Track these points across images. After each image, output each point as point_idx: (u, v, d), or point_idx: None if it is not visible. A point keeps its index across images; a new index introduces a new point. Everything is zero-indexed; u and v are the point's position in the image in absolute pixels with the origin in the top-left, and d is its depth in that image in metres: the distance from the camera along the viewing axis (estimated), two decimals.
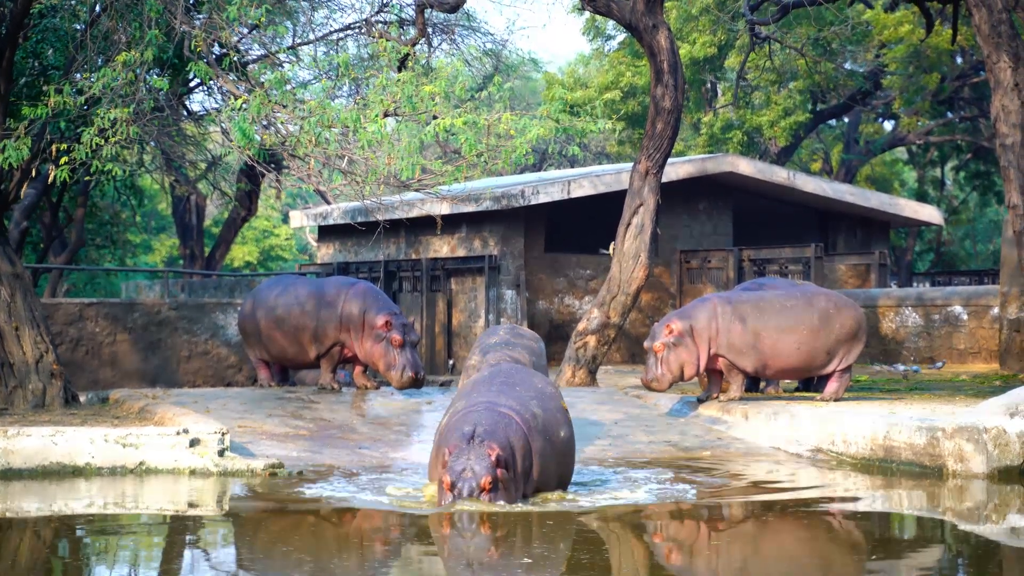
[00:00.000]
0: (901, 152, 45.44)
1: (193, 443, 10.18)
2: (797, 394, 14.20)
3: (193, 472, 10.04)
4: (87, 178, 15.25)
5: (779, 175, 24.54)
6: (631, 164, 17.31)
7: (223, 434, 10.27)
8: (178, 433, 10.22)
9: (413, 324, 14.08)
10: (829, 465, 10.94)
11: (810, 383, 14.35)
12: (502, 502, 8.13)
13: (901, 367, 18.42)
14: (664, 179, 16.63)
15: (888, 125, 41.17)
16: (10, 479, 9.77)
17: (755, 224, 26.51)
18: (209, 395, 13.44)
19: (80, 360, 17.37)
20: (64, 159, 11.64)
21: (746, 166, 24.17)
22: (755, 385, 14.20)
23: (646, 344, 12.94)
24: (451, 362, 22.30)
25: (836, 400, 12.83)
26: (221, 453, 10.18)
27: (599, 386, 15.77)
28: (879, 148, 38.16)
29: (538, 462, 8.63)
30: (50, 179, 12.15)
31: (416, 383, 13.68)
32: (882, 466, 10.64)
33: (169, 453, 10.16)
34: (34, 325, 12.96)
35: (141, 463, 10.12)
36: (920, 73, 32.50)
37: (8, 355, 12.87)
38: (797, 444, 11.67)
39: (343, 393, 13.99)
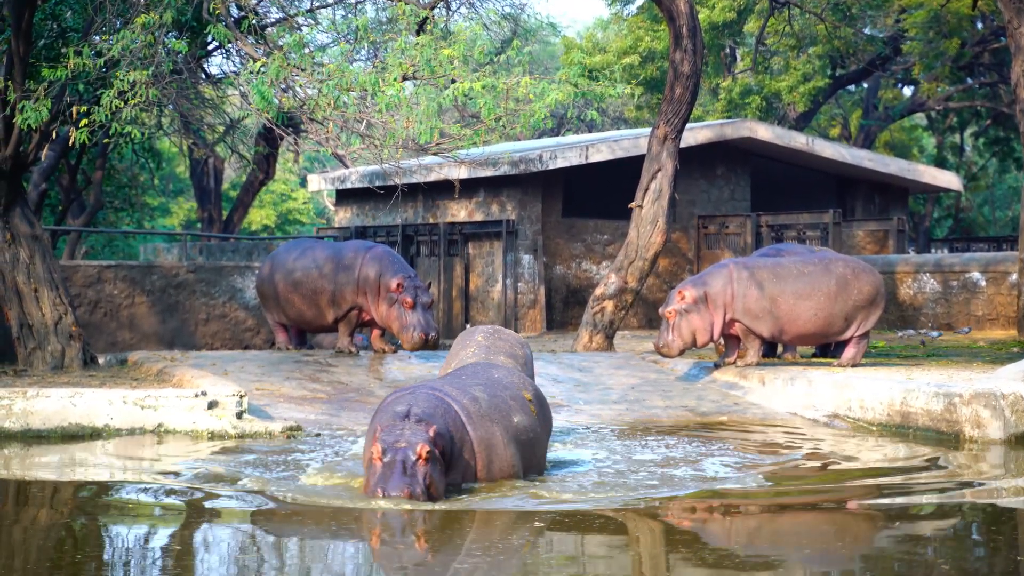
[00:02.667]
0: (920, 118, 45.22)
1: (211, 405, 10.23)
2: (814, 360, 14.19)
3: (211, 434, 10.09)
4: (106, 140, 15.24)
5: (798, 141, 24.45)
6: (649, 129, 17.26)
7: (241, 396, 10.32)
8: (196, 395, 10.26)
9: (429, 287, 14.09)
10: (852, 431, 10.94)
11: (827, 349, 14.35)
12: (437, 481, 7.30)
13: (934, 333, 18.37)
14: (682, 144, 16.59)
15: (907, 91, 40.95)
16: (30, 440, 9.84)
17: (773, 190, 26.44)
18: (227, 358, 13.49)
19: (98, 322, 17.43)
20: (83, 121, 11.65)
21: (764, 132, 24.09)
22: (772, 351, 14.20)
23: (660, 310, 12.96)
24: (468, 326, 22.32)
25: (853, 366, 12.82)
26: (239, 415, 10.23)
27: (616, 351, 15.79)
28: (898, 114, 37.98)
29: (483, 453, 7.79)
30: (69, 141, 12.14)
31: (427, 344, 13.67)
32: (899, 432, 10.64)
33: (187, 415, 10.21)
34: (53, 287, 13.02)
35: (159, 425, 10.18)
36: (940, 38, 32.27)
37: (27, 317, 12.93)
38: (814, 410, 11.68)
39: (361, 356, 14.03)
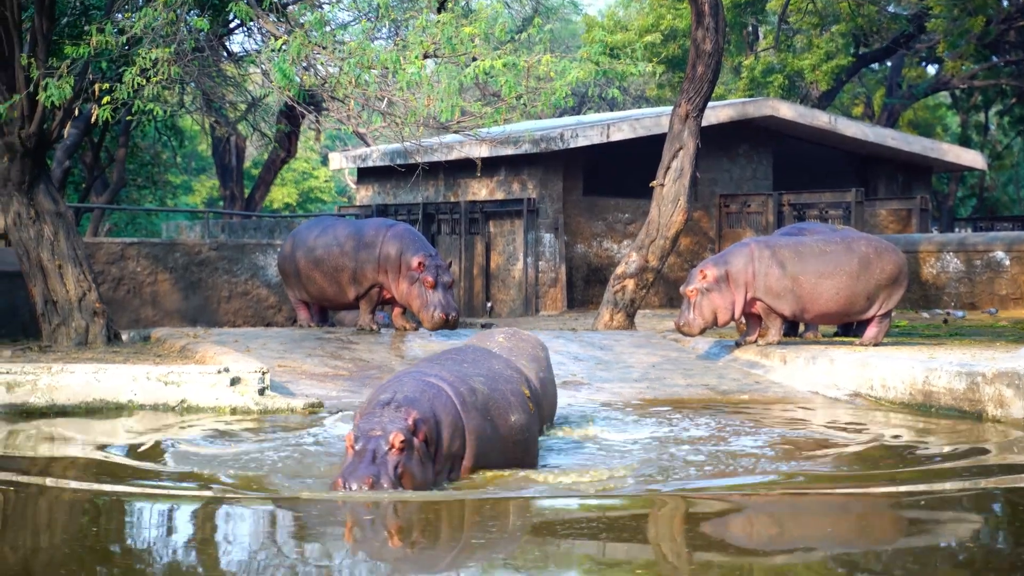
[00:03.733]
0: (944, 96, 44.97)
1: (234, 382, 10.28)
2: (836, 339, 14.16)
3: (234, 410, 10.14)
4: (128, 118, 15.31)
5: (820, 119, 24.37)
6: (671, 108, 17.23)
7: (263, 373, 10.36)
8: (219, 372, 10.31)
9: (450, 266, 14.11)
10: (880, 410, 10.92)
11: (850, 328, 14.32)
12: (415, 472, 6.83)
13: (957, 312, 18.31)
14: (704, 123, 16.55)
15: (931, 69, 40.72)
16: (55, 415, 9.90)
17: (795, 169, 26.36)
18: (249, 335, 13.55)
19: (122, 299, 17.51)
20: (106, 99, 11.68)
21: (787, 110, 24.02)
22: (794, 330, 14.18)
23: (681, 289, 12.96)
24: (489, 304, 22.35)
25: (875, 345, 12.80)
26: (261, 392, 10.28)
27: (637, 329, 15.79)
28: (922, 92, 37.78)
29: (473, 444, 7.30)
30: (92, 119, 12.17)
31: (447, 324, 13.70)
32: (921, 411, 10.62)
33: (210, 391, 10.26)
34: (77, 264, 13.08)
35: (182, 401, 10.23)
36: (965, 16, 32.05)
37: (52, 293, 13.00)
38: (835, 389, 11.66)
39: (382, 334, 14.07)
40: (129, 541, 6.14)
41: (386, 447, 6.75)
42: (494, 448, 7.47)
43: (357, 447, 6.80)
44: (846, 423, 10.11)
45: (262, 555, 5.84)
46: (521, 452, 7.70)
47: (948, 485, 7.45)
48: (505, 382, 7.85)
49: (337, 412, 10.01)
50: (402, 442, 6.75)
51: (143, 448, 8.51)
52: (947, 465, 8.13)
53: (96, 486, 7.23)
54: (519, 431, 7.68)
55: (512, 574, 5.51)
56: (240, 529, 6.43)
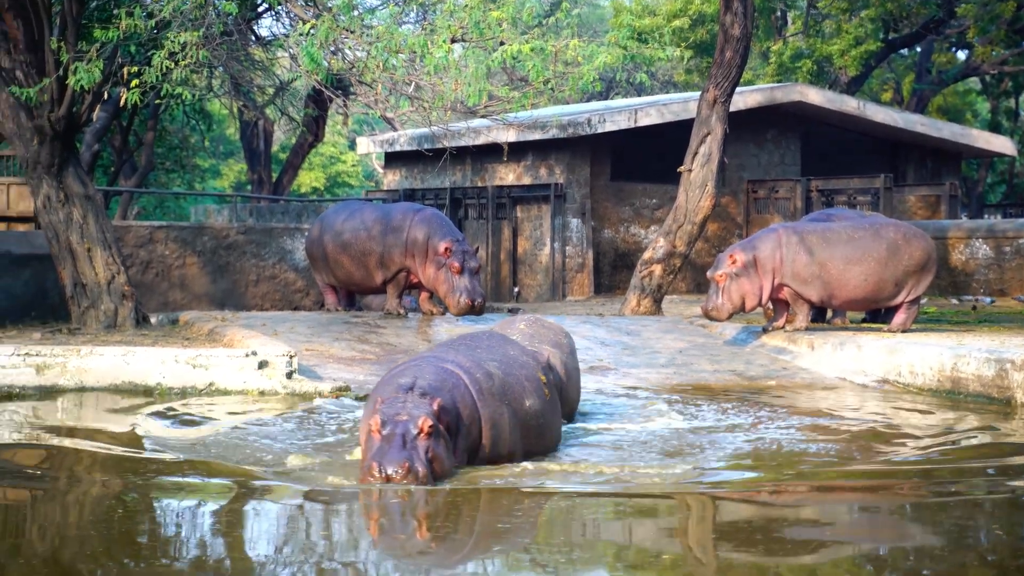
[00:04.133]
0: (974, 82, 44.68)
1: (261, 365, 10.31)
2: (864, 325, 14.12)
3: (261, 393, 10.18)
4: (157, 101, 15.34)
5: (849, 105, 24.26)
6: (699, 93, 17.18)
7: (291, 357, 10.40)
8: (247, 355, 10.35)
9: (476, 251, 14.12)
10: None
11: (878, 314, 14.27)
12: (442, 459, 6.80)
13: (986, 299, 18.21)
14: (732, 108, 16.50)
15: (961, 55, 40.45)
16: (84, 395, 9.96)
17: (824, 155, 26.25)
18: (277, 318, 13.59)
19: (150, 282, 17.59)
20: (134, 82, 11.72)
21: (815, 95, 23.92)
22: (821, 316, 14.15)
23: (709, 274, 12.94)
24: (516, 290, 22.36)
25: (904, 331, 12.75)
26: (289, 375, 10.31)
27: (664, 315, 15.78)
28: (951, 78, 37.54)
29: (489, 432, 7.28)
30: (121, 102, 12.22)
31: (473, 309, 13.71)
32: (949, 397, 10.58)
33: (238, 375, 10.30)
34: (106, 247, 13.14)
35: (211, 384, 10.27)
36: (995, 1, 31.82)
37: (81, 276, 13.07)
38: (863, 375, 11.63)
39: (409, 318, 14.10)
40: None
41: (415, 431, 6.69)
42: (511, 435, 7.43)
43: (385, 432, 6.71)
44: (874, 411, 10.09)
45: (292, 549, 5.86)
46: (536, 437, 7.67)
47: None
48: (520, 367, 7.80)
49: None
50: (430, 427, 6.71)
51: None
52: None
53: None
54: (535, 416, 7.64)
55: (536, 569, 5.44)
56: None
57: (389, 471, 6.55)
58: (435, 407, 6.80)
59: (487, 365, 7.54)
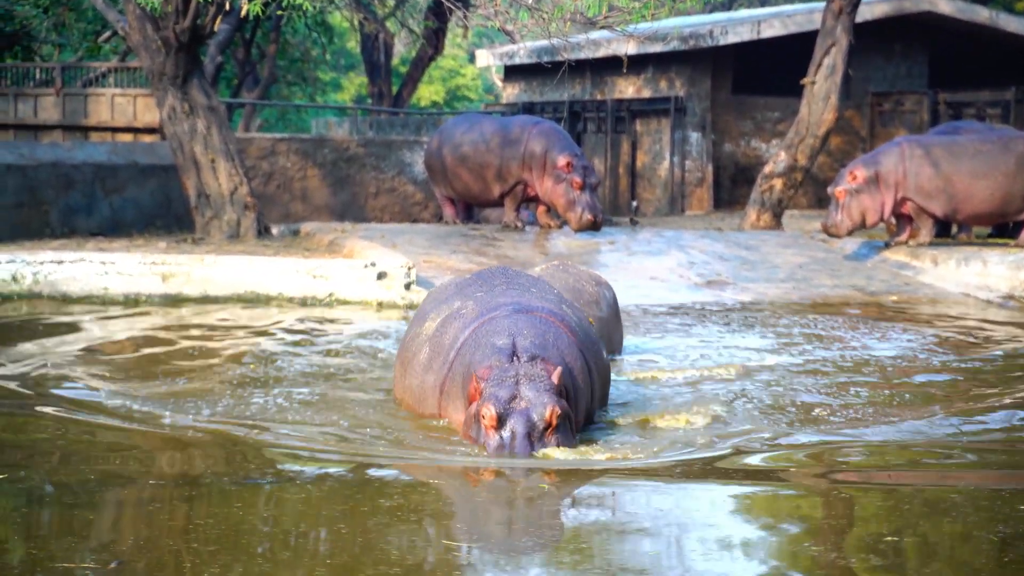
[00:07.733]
0: None
1: (380, 276, 10.43)
2: (990, 240, 13.84)
3: (380, 304, 10.30)
4: (279, 12, 15.44)
5: (980, 15, 23.56)
6: (824, 3, 16.83)
7: (409, 268, 10.50)
8: (366, 266, 10.47)
9: (595, 166, 14.07)
10: None
11: (1005, 229, 13.97)
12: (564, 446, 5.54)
13: None
14: (858, 18, 16.15)
15: None
16: (208, 303, 10.17)
17: (953, 67, 25.56)
18: (395, 230, 13.71)
19: (272, 193, 17.83)
20: None
21: (945, 5, 23.26)
22: (946, 231, 13.89)
23: (829, 189, 12.77)
24: (634, 203, 22.24)
25: None
26: (407, 287, 10.42)
27: (784, 230, 15.61)
28: None
29: (600, 391, 6.27)
30: (243, 13, 12.32)
31: (594, 226, 13.72)
32: None
33: (357, 286, 10.44)
34: (229, 158, 13.34)
35: (331, 294, 10.43)
36: None
37: (205, 186, 13.29)
38: (988, 291, 11.44)
39: (526, 231, 14.13)
40: None
41: (542, 426, 5.51)
42: (604, 388, 6.49)
43: (504, 433, 5.49)
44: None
45: None
46: (608, 388, 6.63)
47: None
48: (576, 309, 6.65)
49: None
50: (559, 416, 5.54)
51: None
52: None
53: None
54: (608, 366, 6.63)
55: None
56: None
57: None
58: (555, 379, 5.58)
59: (565, 310, 6.32)
